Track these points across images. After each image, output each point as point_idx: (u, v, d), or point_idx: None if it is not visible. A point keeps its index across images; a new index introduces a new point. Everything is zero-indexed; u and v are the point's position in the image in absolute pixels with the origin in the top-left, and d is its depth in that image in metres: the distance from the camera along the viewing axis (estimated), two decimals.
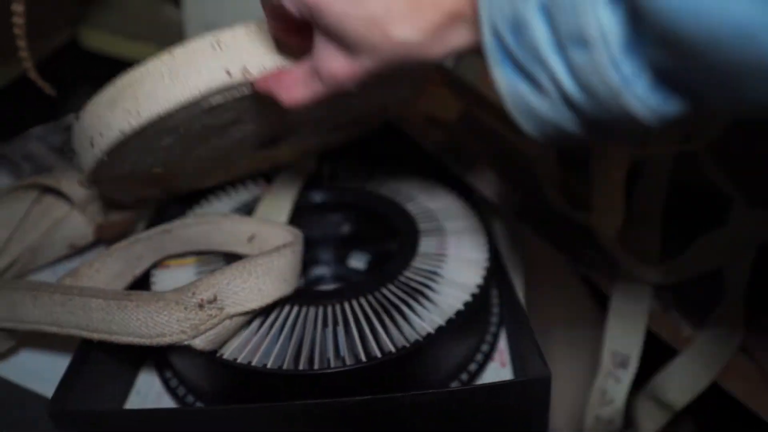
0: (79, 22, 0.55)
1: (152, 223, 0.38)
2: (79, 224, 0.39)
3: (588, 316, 0.57)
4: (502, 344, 0.35)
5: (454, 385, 0.31)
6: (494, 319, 0.35)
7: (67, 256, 0.40)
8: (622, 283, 0.37)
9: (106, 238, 0.40)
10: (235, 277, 0.27)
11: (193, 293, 0.27)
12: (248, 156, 0.37)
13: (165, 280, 0.33)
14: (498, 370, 0.33)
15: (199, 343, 0.27)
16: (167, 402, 0.31)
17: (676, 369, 0.36)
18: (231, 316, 0.28)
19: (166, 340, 0.27)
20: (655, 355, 0.37)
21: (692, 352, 0.35)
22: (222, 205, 0.40)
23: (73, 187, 0.38)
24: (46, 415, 0.26)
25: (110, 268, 0.32)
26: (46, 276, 0.39)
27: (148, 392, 0.32)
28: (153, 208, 0.41)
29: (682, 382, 0.36)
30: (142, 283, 0.33)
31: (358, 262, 0.42)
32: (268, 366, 0.28)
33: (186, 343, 0.27)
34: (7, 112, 0.54)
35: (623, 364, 0.37)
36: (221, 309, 0.27)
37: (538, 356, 0.27)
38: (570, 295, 0.57)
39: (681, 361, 0.36)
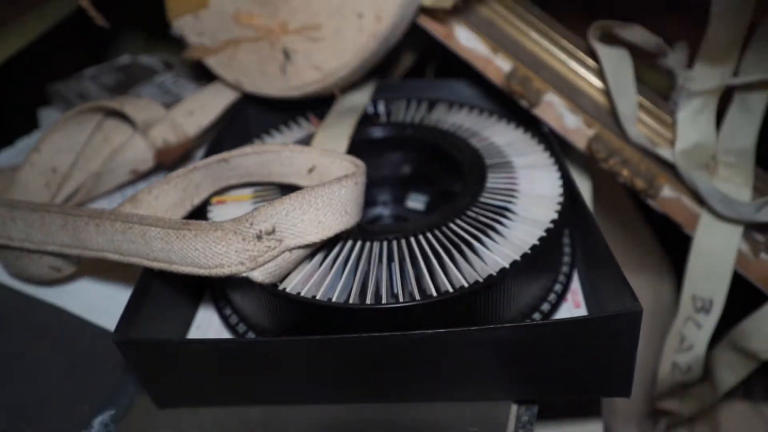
0: None
1: (211, 150, 0.37)
2: (140, 149, 0.39)
3: (653, 260, 0.54)
4: (575, 285, 0.32)
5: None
6: (567, 259, 0.33)
7: (129, 183, 0.40)
8: (707, 219, 0.34)
9: (166, 163, 0.40)
10: (294, 207, 0.26)
11: (251, 223, 0.25)
12: None
13: (221, 216, 0.32)
14: (572, 311, 0.31)
15: (258, 275, 0.26)
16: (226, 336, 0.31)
17: (765, 315, 0.33)
18: (291, 249, 0.26)
19: (225, 270, 0.26)
20: (743, 301, 0.34)
21: None
22: (279, 141, 0.39)
23: (136, 109, 0.38)
24: (113, 343, 0.25)
25: (169, 195, 0.31)
26: (108, 203, 0.39)
27: (208, 328, 0.32)
28: (210, 136, 0.40)
29: None
30: (199, 214, 0.33)
31: (416, 202, 0.40)
32: (333, 300, 0.26)
33: (244, 274, 0.26)
34: (62, 50, 0.54)
35: (705, 308, 0.34)
36: (280, 240, 0.26)
37: (627, 290, 0.24)
38: (635, 238, 0.54)
39: None
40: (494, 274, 0.27)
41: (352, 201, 0.28)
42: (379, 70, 0.45)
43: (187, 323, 0.32)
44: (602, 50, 0.35)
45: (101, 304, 0.33)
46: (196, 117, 0.40)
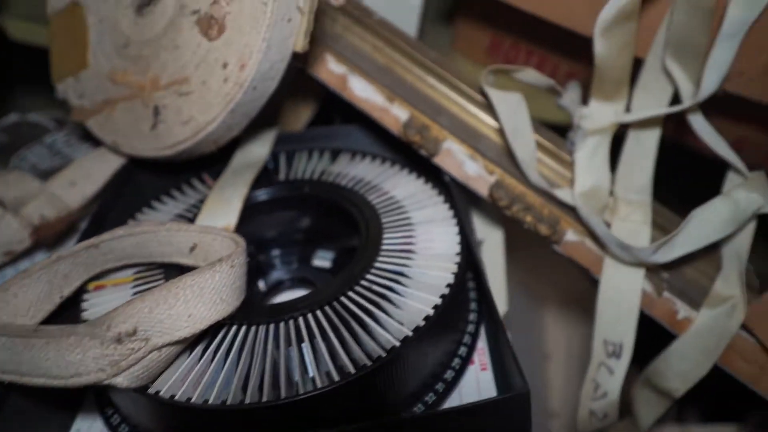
0: (3, 13, 0.50)
1: (94, 222, 0.35)
2: (13, 228, 0.35)
3: (583, 293, 0.54)
4: (482, 344, 0.31)
5: (429, 397, 0.28)
6: (472, 317, 0.32)
7: (4, 265, 0.37)
8: (610, 262, 0.33)
9: (46, 240, 0.37)
10: (158, 303, 0.24)
11: (109, 326, 0.23)
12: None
13: (99, 304, 0.30)
14: (478, 374, 0.30)
15: (122, 381, 0.24)
16: None
17: (674, 354, 0.33)
18: (159, 348, 0.24)
19: (83, 380, 0.23)
20: (651, 339, 0.34)
21: (690, 335, 0.32)
22: (168, 208, 0.37)
23: (4, 187, 0.35)
24: None
25: (31, 290, 0.28)
26: None
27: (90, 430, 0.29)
28: (95, 207, 0.38)
29: (681, 367, 0.33)
30: (73, 305, 0.30)
31: (322, 260, 0.38)
32: (210, 401, 0.24)
33: (107, 382, 0.23)
34: None
35: (616, 353, 0.33)
36: (146, 340, 0.24)
37: (516, 369, 0.23)
38: (562, 271, 0.54)
39: (679, 345, 0.32)
40: (383, 354, 0.25)
41: (229, 286, 0.26)
42: (278, 121, 0.44)
43: (65, 430, 0.29)
44: (495, 96, 0.34)
45: None
46: (78, 187, 0.38)
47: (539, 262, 0.55)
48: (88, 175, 0.38)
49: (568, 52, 0.46)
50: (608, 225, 0.34)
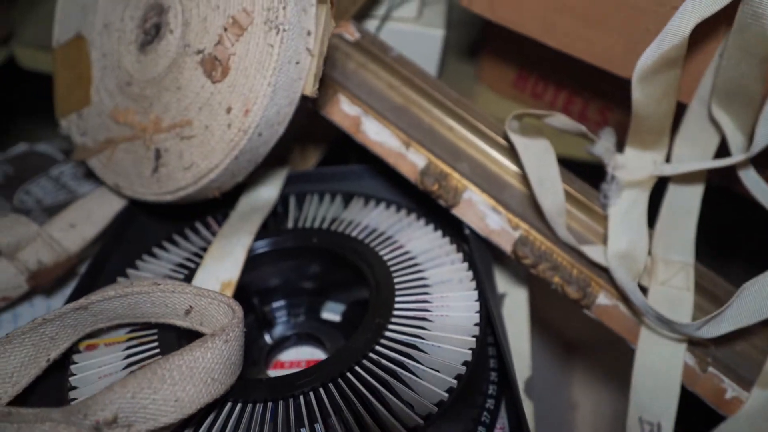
0: (13, 41, 0.49)
1: (93, 267, 0.33)
2: (9, 274, 0.34)
3: (612, 341, 0.51)
4: (503, 420, 0.28)
5: None
6: (491, 390, 0.29)
7: (1, 310, 0.35)
8: (648, 332, 0.30)
9: (42, 285, 0.35)
10: (141, 387, 0.21)
11: (85, 414, 0.21)
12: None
13: (88, 367, 0.27)
14: None
15: None
16: None
17: None
18: None
19: None
20: (695, 419, 0.30)
21: (741, 418, 0.29)
22: (170, 256, 0.34)
23: None
24: None
25: (14, 356, 0.26)
26: None
27: None
28: (94, 251, 0.36)
29: None
30: (62, 366, 0.28)
31: (331, 313, 0.35)
32: None
33: None
34: None
35: None
36: (128, 426, 0.21)
37: None
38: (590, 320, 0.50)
39: (727, 429, 0.29)
40: None
41: (222, 364, 0.23)
42: (287, 161, 0.41)
43: None
44: (520, 143, 0.32)
45: None
46: (78, 230, 0.36)
47: (565, 303, 0.52)
48: (89, 217, 0.36)
49: (600, 89, 0.43)
50: (645, 290, 0.30)
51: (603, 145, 0.32)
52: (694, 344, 0.30)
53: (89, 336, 0.29)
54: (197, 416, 0.24)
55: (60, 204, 0.43)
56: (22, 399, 0.27)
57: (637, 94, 0.29)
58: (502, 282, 0.37)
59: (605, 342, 0.53)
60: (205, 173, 0.31)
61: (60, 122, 0.38)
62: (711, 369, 0.29)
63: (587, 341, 0.54)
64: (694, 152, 0.31)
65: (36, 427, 0.21)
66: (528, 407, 0.31)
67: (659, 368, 0.29)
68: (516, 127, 0.33)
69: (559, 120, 0.32)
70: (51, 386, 0.28)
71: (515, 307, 0.35)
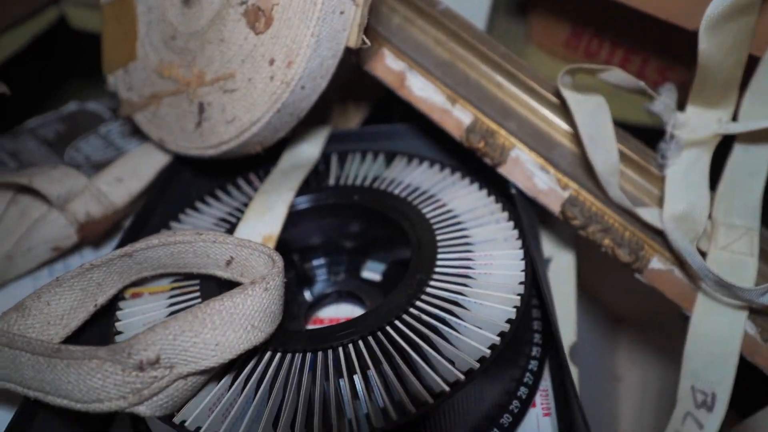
0: (64, 1, 0.50)
1: (138, 222, 0.33)
2: (60, 224, 0.35)
3: (665, 315, 0.49)
4: (546, 383, 0.27)
5: None
6: (535, 352, 0.28)
7: (55, 259, 0.36)
8: (705, 298, 0.29)
9: (92, 237, 0.36)
10: (183, 330, 0.21)
11: (129, 353, 0.21)
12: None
13: (133, 314, 0.28)
14: (539, 420, 0.26)
15: (145, 410, 0.22)
16: None
17: None
18: (184, 376, 0.22)
19: (104, 406, 0.21)
20: (752, 391, 0.29)
21: None
22: (212, 211, 0.35)
23: (49, 182, 0.34)
24: None
25: (64, 299, 0.27)
26: (27, 285, 0.35)
27: None
28: (139, 208, 0.36)
29: None
30: (108, 312, 0.28)
31: (372, 272, 0.35)
32: None
33: (128, 410, 0.21)
34: (1, 102, 0.50)
35: (707, 404, 0.29)
36: (170, 368, 0.22)
37: (582, 422, 0.19)
38: (644, 290, 0.49)
39: None
40: (430, 400, 0.22)
41: (262, 312, 0.23)
42: (330, 119, 0.41)
43: None
44: (573, 99, 0.30)
45: None
46: (125, 184, 0.36)
47: (617, 276, 0.50)
48: (135, 171, 0.37)
49: (659, 45, 0.40)
50: (704, 254, 0.29)
51: (663, 102, 0.30)
52: (756, 312, 0.28)
53: (134, 284, 0.30)
54: (237, 363, 0.25)
55: (108, 160, 0.44)
56: (71, 342, 0.27)
57: (704, 44, 0.27)
58: (548, 246, 0.36)
59: (652, 316, 0.51)
60: (248, 127, 0.31)
61: (107, 78, 0.38)
62: None
63: (633, 315, 0.52)
64: (764, 110, 0.29)
65: (83, 364, 0.21)
66: (573, 372, 0.30)
67: (716, 335, 0.28)
68: (569, 82, 0.31)
69: (616, 75, 0.30)
70: (98, 332, 0.28)
71: (561, 271, 0.34)
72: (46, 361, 0.22)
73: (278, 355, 0.25)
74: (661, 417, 0.43)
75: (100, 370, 0.21)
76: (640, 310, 0.52)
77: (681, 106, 0.31)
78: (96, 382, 0.21)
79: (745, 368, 0.28)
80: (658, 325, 0.49)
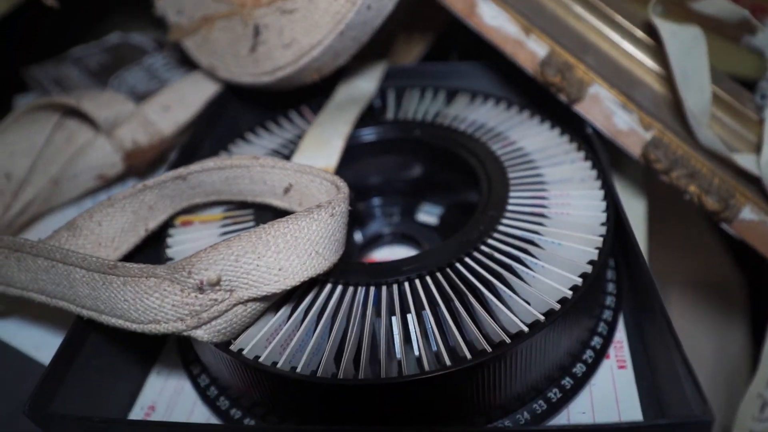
0: None
1: (184, 153, 0.32)
2: (106, 151, 0.34)
3: (722, 278, 0.46)
4: (620, 335, 0.26)
5: (553, 393, 0.23)
6: (610, 301, 0.26)
7: (99, 188, 0.35)
8: None
9: (136, 166, 0.35)
10: (246, 251, 0.20)
11: (190, 272, 0.20)
12: None
13: (183, 241, 0.27)
14: (614, 372, 0.24)
15: (203, 334, 0.20)
16: (188, 392, 0.25)
17: None
18: (244, 301, 0.21)
19: (161, 328, 0.20)
20: None
21: None
22: (263, 143, 0.33)
23: (97, 106, 0.32)
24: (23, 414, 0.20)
25: (116, 220, 0.26)
26: (77, 210, 0.34)
27: (168, 377, 0.26)
28: (187, 136, 0.35)
29: None
30: (158, 239, 0.27)
31: (428, 215, 0.33)
32: (299, 370, 0.20)
33: (186, 333, 0.20)
34: (46, 26, 0.48)
35: None
36: (230, 291, 0.20)
37: (692, 386, 0.17)
38: (698, 251, 0.46)
39: None
40: (507, 340, 0.20)
41: (327, 238, 0.21)
42: (387, 53, 0.39)
43: (145, 373, 0.27)
44: (666, 29, 0.27)
45: (49, 339, 0.29)
46: (172, 113, 0.35)
47: (671, 235, 0.47)
48: (183, 100, 0.35)
49: None
50: None
51: (766, 36, 0.27)
52: None
53: (185, 212, 0.28)
54: (297, 292, 0.23)
55: (152, 92, 0.42)
56: None
57: None
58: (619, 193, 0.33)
59: (708, 279, 0.48)
60: (307, 50, 0.29)
61: (155, 1, 0.36)
62: None
63: (688, 277, 0.50)
64: None
65: (141, 282, 0.20)
66: None
67: None
68: (661, 11, 0.28)
69: (716, 3, 0.27)
70: (147, 260, 0.27)
71: (633, 220, 0.32)
72: (102, 278, 0.21)
73: (340, 287, 0.23)
74: (721, 382, 0.41)
75: (158, 290, 0.20)
76: (694, 272, 0.49)
77: None
78: (153, 302, 0.20)
79: None
80: (716, 287, 0.47)
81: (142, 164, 0.35)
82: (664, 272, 0.51)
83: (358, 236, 0.33)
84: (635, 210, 0.33)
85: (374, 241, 0.33)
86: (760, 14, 0.37)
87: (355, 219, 0.33)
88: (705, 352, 0.47)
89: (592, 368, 0.24)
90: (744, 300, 0.44)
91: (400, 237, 0.32)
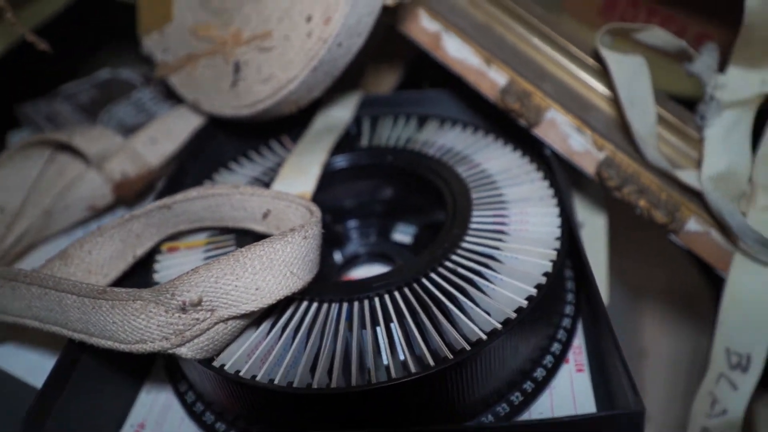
0: None
1: (171, 182, 0.34)
2: (96, 183, 0.35)
3: (690, 287, 0.48)
4: (579, 341, 0.27)
5: (515, 396, 0.25)
6: (569, 309, 0.28)
7: (90, 219, 0.37)
8: (743, 259, 0.28)
9: (125, 196, 0.37)
10: (224, 273, 0.22)
11: (173, 294, 0.21)
12: None
13: (169, 266, 0.29)
14: (572, 375, 0.26)
15: (186, 351, 0.22)
16: (176, 410, 0.27)
17: None
18: (225, 319, 0.22)
19: (147, 347, 0.22)
20: None
21: None
22: (246, 171, 0.35)
23: (87, 141, 0.34)
24: None
25: (105, 248, 0.27)
26: (65, 242, 0.36)
27: (158, 395, 0.28)
28: (173, 167, 0.37)
29: None
30: (146, 265, 0.29)
31: (403, 235, 0.35)
32: (276, 381, 0.22)
33: (170, 351, 0.22)
34: (38, 64, 0.51)
35: (741, 365, 0.28)
36: (211, 311, 0.22)
37: (626, 379, 0.19)
38: (667, 262, 0.48)
39: None
40: (467, 347, 0.22)
41: (300, 259, 0.23)
42: (362, 84, 0.41)
43: (136, 390, 0.28)
44: (612, 59, 0.30)
45: (42, 363, 0.30)
46: (159, 145, 0.37)
47: (640, 248, 0.49)
48: (169, 132, 0.37)
49: (697, 10, 0.40)
50: (743, 216, 0.28)
51: (704, 62, 0.30)
52: None
53: (171, 239, 0.30)
54: (276, 311, 0.25)
55: (140, 125, 0.44)
56: None
57: (753, 1, 0.27)
58: (580, 211, 0.35)
59: (676, 288, 0.50)
60: (284, 84, 0.31)
61: (142, 40, 0.39)
62: None
63: (657, 288, 0.52)
64: None
65: (128, 305, 0.22)
66: None
67: (753, 297, 0.27)
68: (608, 42, 0.31)
69: (657, 35, 0.30)
70: (137, 284, 0.29)
71: (593, 235, 0.34)
72: (92, 303, 0.22)
73: (315, 304, 0.25)
74: (691, 390, 0.42)
75: (144, 311, 0.22)
76: (664, 283, 0.51)
77: (721, 69, 0.30)
78: (140, 323, 0.22)
79: None
80: (685, 297, 0.49)
81: (130, 194, 0.37)
82: (638, 285, 0.53)
83: (337, 256, 0.35)
84: (596, 225, 0.35)
85: (352, 261, 0.35)
86: (703, 41, 0.40)
87: (334, 240, 0.35)
88: (677, 359, 0.49)
89: (552, 372, 0.26)
90: (711, 308, 0.46)
91: (377, 256, 0.34)
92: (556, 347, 0.26)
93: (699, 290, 0.47)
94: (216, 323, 0.22)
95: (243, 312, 0.22)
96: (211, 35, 0.34)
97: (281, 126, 0.36)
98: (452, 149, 0.33)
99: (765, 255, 0.27)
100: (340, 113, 0.37)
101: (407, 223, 0.35)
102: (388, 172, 0.33)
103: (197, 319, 0.22)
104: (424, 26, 0.34)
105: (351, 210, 0.36)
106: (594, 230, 0.34)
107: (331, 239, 0.35)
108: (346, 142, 0.36)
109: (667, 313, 0.51)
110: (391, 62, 0.42)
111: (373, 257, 0.34)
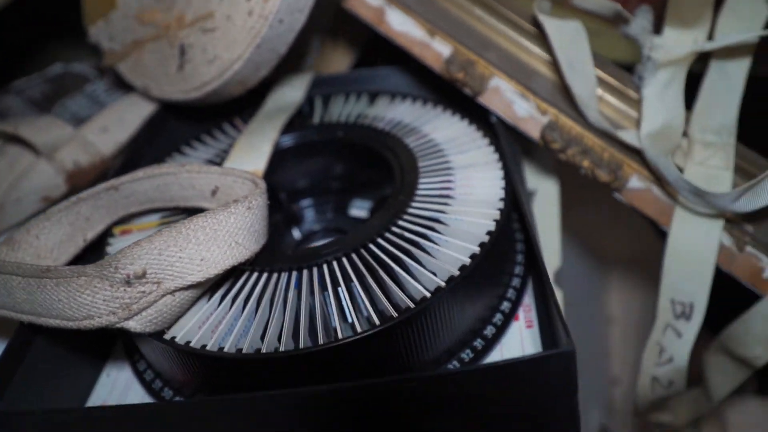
0: None
1: (124, 169, 0.34)
2: (48, 174, 0.35)
3: (650, 250, 0.50)
4: (529, 300, 0.28)
5: (466, 353, 0.25)
6: (518, 270, 0.29)
7: (43, 211, 0.37)
8: (682, 212, 0.29)
9: (79, 186, 0.36)
10: (168, 245, 0.22)
11: (116, 267, 0.21)
12: None
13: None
14: (522, 331, 0.27)
15: (135, 325, 0.22)
16: (137, 389, 0.27)
17: (757, 316, 0.28)
18: (172, 291, 0.23)
19: (95, 322, 0.22)
20: (729, 300, 0.30)
21: None
22: (198, 154, 0.35)
23: (35, 132, 0.34)
24: None
25: (53, 233, 0.27)
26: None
27: (118, 375, 0.28)
28: (127, 154, 0.37)
29: (765, 332, 0.28)
30: (97, 249, 0.29)
31: (359, 210, 0.35)
32: (226, 349, 0.22)
33: (119, 326, 0.22)
34: None
35: (685, 314, 0.29)
36: (157, 283, 0.22)
37: (560, 324, 0.20)
38: (628, 227, 0.49)
39: (763, 307, 0.28)
40: (412, 306, 0.22)
41: (245, 229, 0.24)
42: (316, 63, 0.41)
43: (96, 372, 0.28)
44: (550, 25, 0.30)
45: None
46: (111, 134, 0.37)
47: (601, 217, 0.50)
48: (121, 120, 0.37)
49: None
50: (680, 170, 0.29)
51: (639, 24, 0.31)
52: (731, 223, 0.28)
53: (124, 222, 0.30)
54: (227, 282, 0.25)
55: None
56: None
57: None
58: (532, 179, 0.36)
59: (640, 256, 0.52)
60: (229, 65, 0.31)
61: (88, 30, 0.38)
62: (749, 248, 0.28)
63: (624, 256, 0.53)
64: (740, 26, 0.30)
65: (72, 281, 0.22)
66: (558, 294, 0.31)
67: (693, 248, 0.28)
68: (546, 8, 0.31)
69: (591, 0, 0.30)
70: None
71: (545, 201, 0.35)
72: (36, 282, 0.23)
73: (265, 274, 0.25)
74: None
75: (89, 287, 0.22)
76: (630, 251, 0.53)
77: (657, 30, 0.31)
78: (85, 299, 0.22)
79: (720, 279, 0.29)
80: (649, 263, 0.50)
81: (85, 184, 0.36)
82: (605, 255, 0.54)
83: (296, 233, 0.36)
84: (548, 191, 0.35)
85: (310, 237, 0.35)
86: (635, 4, 0.41)
87: (292, 218, 0.36)
88: (643, 324, 0.50)
89: (501, 330, 0.26)
90: None
91: (334, 231, 0.35)
92: (505, 306, 0.27)
93: (657, 251, 0.48)
94: (163, 295, 0.22)
95: (189, 283, 0.23)
96: (155, 20, 0.34)
97: (233, 108, 0.36)
98: (401, 122, 0.34)
99: (701, 206, 0.28)
100: (292, 93, 0.37)
101: (363, 198, 0.36)
102: (339, 147, 0.34)
103: (143, 292, 0.22)
104: (367, 1, 0.34)
105: (307, 188, 0.36)
106: (546, 196, 0.35)
107: (288, 217, 0.36)
108: (298, 121, 0.36)
109: (631, 278, 0.52)
110: (344, 44, 0.42)
111: (330, 232, 0.35)
